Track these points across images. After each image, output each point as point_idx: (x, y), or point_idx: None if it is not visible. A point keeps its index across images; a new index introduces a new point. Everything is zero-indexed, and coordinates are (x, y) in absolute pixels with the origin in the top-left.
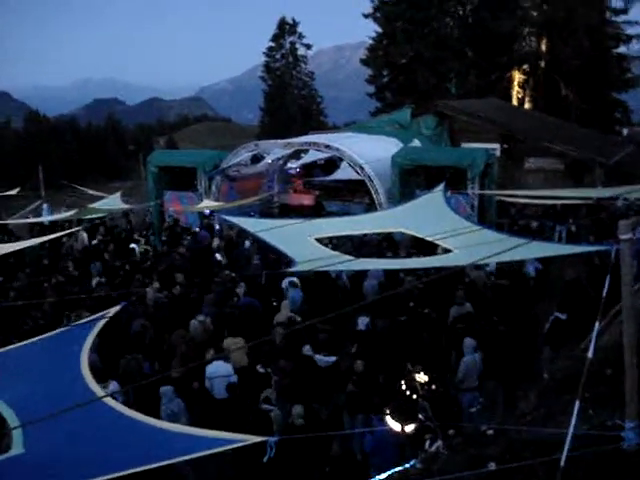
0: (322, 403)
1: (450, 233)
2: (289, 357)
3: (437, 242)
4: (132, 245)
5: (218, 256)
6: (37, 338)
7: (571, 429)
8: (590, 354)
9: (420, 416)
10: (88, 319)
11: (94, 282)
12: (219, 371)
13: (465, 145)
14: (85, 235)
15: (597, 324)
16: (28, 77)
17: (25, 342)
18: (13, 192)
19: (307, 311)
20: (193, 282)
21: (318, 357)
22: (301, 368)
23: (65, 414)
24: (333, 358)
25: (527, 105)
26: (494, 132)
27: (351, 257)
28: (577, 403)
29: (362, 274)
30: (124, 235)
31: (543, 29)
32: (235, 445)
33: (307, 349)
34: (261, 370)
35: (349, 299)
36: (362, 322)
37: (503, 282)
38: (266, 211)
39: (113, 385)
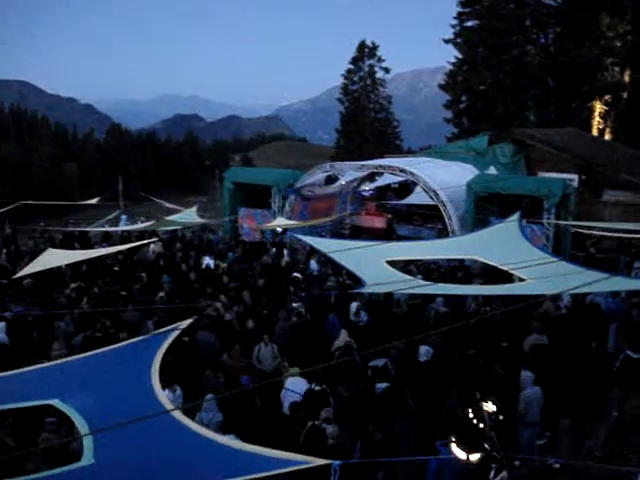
0: (377, 426)
1: (525, 263)
2: (346, 382)
3: (511, 271)
4: (205, 259)
5: (298, 275)
6: (108, 347)
7: None
8: None
9: (486, 445)
10: (161, 330)
11: (159, 295)
12: (296, 388)
13: (542, 175)
14: (157, 247)
15: None
16: (113, 91)
17: (97, 350)
18: (93, 201)
19: (373, 335)
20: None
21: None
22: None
23: (134, 425)
24: (385, 385)
25: (607, 136)
26: (572, 162)
27: (424, 282)
28: None
29: (423, 303)
30: (198, 249)
31: (627, 60)
32: (300, 467)
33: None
34: (317, 388)
35: (410, 327)
36: (425, 352)
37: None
38: (337, 232)
39: (179, 390)
